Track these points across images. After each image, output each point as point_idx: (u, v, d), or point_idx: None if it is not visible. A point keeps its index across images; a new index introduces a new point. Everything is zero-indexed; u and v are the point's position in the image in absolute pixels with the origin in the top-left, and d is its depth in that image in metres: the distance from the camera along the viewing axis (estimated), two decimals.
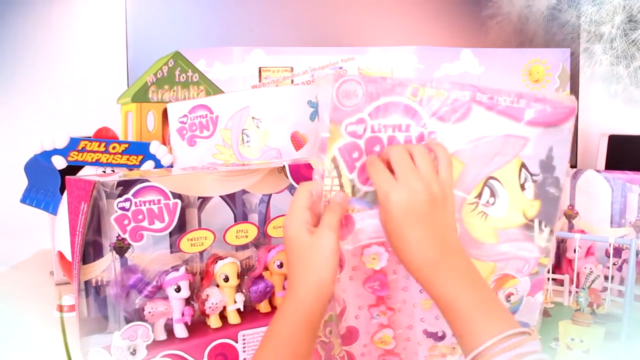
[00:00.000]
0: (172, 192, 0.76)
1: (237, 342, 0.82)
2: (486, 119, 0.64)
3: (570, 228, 1.14)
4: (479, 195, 0.66)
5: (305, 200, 0.64)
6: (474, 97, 0.64)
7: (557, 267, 1.11)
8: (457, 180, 0.64)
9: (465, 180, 0.65)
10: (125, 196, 0.73)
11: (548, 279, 1.02)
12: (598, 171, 1.12)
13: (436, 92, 0.64)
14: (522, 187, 0.67)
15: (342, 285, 0.68)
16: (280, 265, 0.86)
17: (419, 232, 0.60)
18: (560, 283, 1.03)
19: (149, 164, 1.04)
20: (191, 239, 0.80)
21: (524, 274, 0.68)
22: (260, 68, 1.32)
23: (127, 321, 0.76)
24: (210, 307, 0.81)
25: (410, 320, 0.70)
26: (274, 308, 0.88)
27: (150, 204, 0.75)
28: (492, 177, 0.66)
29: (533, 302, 0.70)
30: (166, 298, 0.78)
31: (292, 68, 1.32)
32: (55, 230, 1.03)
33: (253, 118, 1.05)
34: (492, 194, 0.66)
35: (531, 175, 0.67)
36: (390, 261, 0.66)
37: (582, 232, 1.10)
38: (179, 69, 1.16)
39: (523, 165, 0.66)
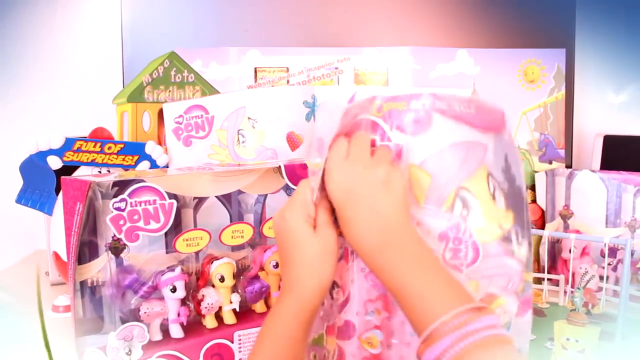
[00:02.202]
0: (167, 193, 0.76)
1: (232, 343, 0.82)
2: (447, 127, 0.63)
3: (566, 228, 1.14)
4: (451, 208, 0.63)
5: (309, 194, 0.64)
6: (434, 105, 0.63)
7: (552, 267, 1.11)
8: (427, 193, 0.62)
9: (435, 192, 0.62)
10: (120, 196, 0.73)
11: (543, 279, 1.03)
12: (593, 171, 1.12)
13: (396, 104, 0.63)
14: (493, 196, 0.64)
15: (351, 274, 0.67)
16: (276, 266, 0.86)
17: (361, 215, 0.59)
18: (556, 283, 1.03)
19: (144, 164, 1.04)
20: (187, 239, 0.80)
21: (510, 291, 0.65)
22: (256, 68, 1.32)
23: (123, 321, 0.76)
24: (206, 308, 0.81)
25: (402, 336, 0.67)
26: (269, 308, 0.87)
27: (145, 204, 0.75)
28: (462, 187, 0.63)
29: (523, 322, 0.67)
30: (162, 298, 0.78)
31: (287, 68, 1.32)
32: (50, 231, 1.03)
33: (249, 118, 1.05)
34: (465, 206, 0.63)
35: (498, 183, 0.65)
36: None
37: (578, 232, 1.10)
38: (175, 69, 1.16)
39: (489, 174, 0.64)
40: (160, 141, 1.14)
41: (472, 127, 0.63)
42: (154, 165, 1.05)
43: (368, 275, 0.66)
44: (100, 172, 1.01)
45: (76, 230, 0.72)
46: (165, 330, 0.79)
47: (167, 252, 0.80)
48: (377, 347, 0.67)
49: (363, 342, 0.67)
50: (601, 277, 0.99)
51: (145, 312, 0.77)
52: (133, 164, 1.03)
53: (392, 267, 0.58)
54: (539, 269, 1.10)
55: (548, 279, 1.03)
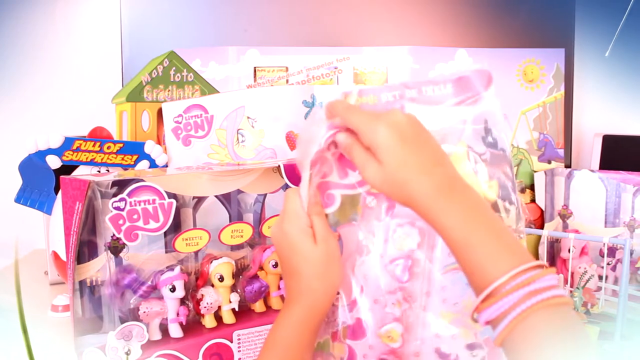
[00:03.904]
0: (167, 192, 0.76)
1: (232, 342, 0.82)
2: (421, 115, 0.61)
3: (565, 228, 1.14)
4: None
5: (299, 203, 0.63)
6: (404, 94, 0.63)
7: (551, 267, 1.11)
8: None
9: None
10: (120, 196, 0.73)
11: None
12: (592, 171, 1.12)
13: (367, 98, 0.63)
14: (475, 171, 0.64)
15: (363, 269, 0.65)
16: (275, 265, 0.86)
17: (421, 157, 0.56)
18: None
19: (143, 164, 1.04)
20: (186, 239, 0.80)
21: None
22: (255, 68, 1.32)
23: (122, 321, 0.76)
24: (205, 307, 0.81)
25: (420, 331, 0.65)
26: (268, 308, 0.88)
27: (145, 204, 0.75)
28: None
29: None
30: (161, 298, 0.78)
31: (287, 68, 1.32)
32: (49, 230, 1.03)
33: (248, 118, 1.05)
34: None
35: (479, 155, 0.64)
36: (420, 248, 0.64)
37: (577, 231, 1.10)
38: (174, 68, 1.16)
39: (469, 148, 0.64)
40: (160, 140, 1.14)
41: (448, 107, 0.63)
42: (153, 164, 1.05)
43: (387, 266, 0.65)
44: (99, 171, 1.01)
45: (75, 229, 0.72)
46: (164, 329, 0.79)
47: (166, 252, 0.80)
48: (398, 340, 0.65)
49: (382, 336, 0.65)
50: (600, 277, 0.99)
51: (144, 312, 0.77)
52: (132, 163, 1.03)
53: (451, 213, 0.55)
54: None
55: None
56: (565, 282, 1.00)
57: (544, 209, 1.22)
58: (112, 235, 0.74)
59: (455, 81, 0.64)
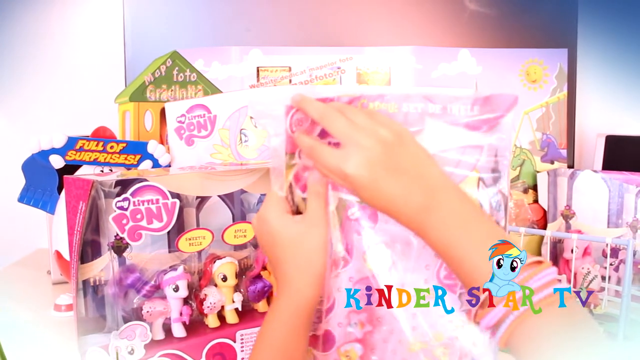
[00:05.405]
0: (170, 192, 0.76)
1: (235, 342, 0.82)
2: (441, 132, 0.60)
3: (568, 228, 1.14)
4: None
5: (279, 193, 0.63)
6: (426, 109, 0.60)
7: (547, 262, 1.11)
8: None
9: None
10: (123, 195, 0.73)
11: None
12: (595, 171, 1.12)
13: (386, 106, 0.60)
14: (481, 204, 0.61)
15: (338, 282, 0.62)
16: None
17: (395, 181, 0.55)
18: None
19: (146, 164, 1.04)
20: (189, 239, 0.80)
21: None
22: (258, 68, 1.32)
23: (125, 321, 0.76)
24: (208, 307, 0.81)
25: (383, 353, 0.62)
26: None
27: (148, 204, 0.75)
28: None
29: None
30: (164, 297, 0.78)
31: (290, 68, 1.32)
32: (52, 230, 1.03)
33: (251, 118, 1.05)
34: None
35: (487, 191, 0.61)
36: (396, 268, 0.61)
37: (579, 232, 1.10)
38: (177, 68, 1.16)
39: (480, 180, 0.61)
40: (163, 140, 1.14)
41: (470, 130, 0.60)
42: (156, 164, 1.05)
43: (357, 284, 0.62)
44: (102, 171, 1.01)
45: (79, 229, 0.72)
46: (167, 329, 0.79)
47: (169, 251, 0.80)
48: None
49: (341, 355, 0.63)
50: (603, 278, 0.99)
51: (147, 311, 0.77)
52: (135, 163, 1.03)
53: (436, 227, 0.54)
54: None
55: None
56: (568, 282, 1.00)
57: (546, 209, 1.22)
58: (115, 234, 0.74)
59: (481, 102, 0.61)
